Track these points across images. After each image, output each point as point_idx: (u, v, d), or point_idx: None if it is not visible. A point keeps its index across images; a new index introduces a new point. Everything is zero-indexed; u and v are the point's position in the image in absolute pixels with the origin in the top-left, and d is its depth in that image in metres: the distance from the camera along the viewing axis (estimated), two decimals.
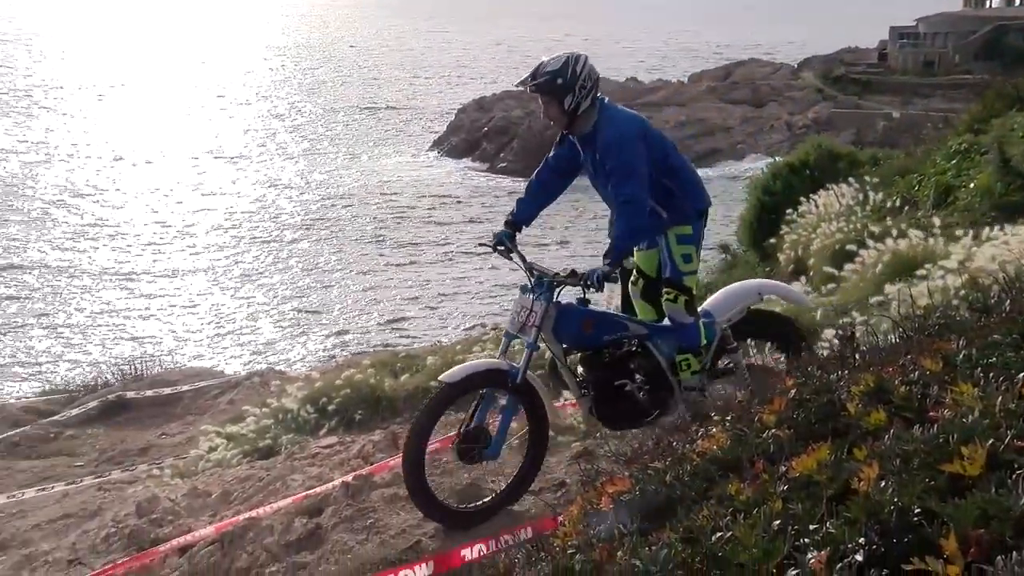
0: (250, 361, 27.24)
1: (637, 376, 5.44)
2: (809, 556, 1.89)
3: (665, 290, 5.45)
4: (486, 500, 5.46)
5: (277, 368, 17.32)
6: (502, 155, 49.32)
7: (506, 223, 5.63)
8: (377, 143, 63.64)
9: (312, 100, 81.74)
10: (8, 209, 47.00)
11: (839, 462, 2.25)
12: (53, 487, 9.73)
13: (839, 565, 1.82)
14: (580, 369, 5.48)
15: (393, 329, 30.99)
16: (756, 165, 37.85)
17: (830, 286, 9.88)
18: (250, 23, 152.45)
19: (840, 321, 7.45)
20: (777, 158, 22.20)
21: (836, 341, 4.51)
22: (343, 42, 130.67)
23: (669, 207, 5.41)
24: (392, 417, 9.05)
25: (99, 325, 32.79)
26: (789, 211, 14.69)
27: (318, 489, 6.42)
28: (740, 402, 3.50)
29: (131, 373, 15.35)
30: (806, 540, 1.99)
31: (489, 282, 34.47)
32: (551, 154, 5.65)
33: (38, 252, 40.16)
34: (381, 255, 39.75)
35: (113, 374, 15.85)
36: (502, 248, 5.54)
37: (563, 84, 5.20)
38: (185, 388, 13.59)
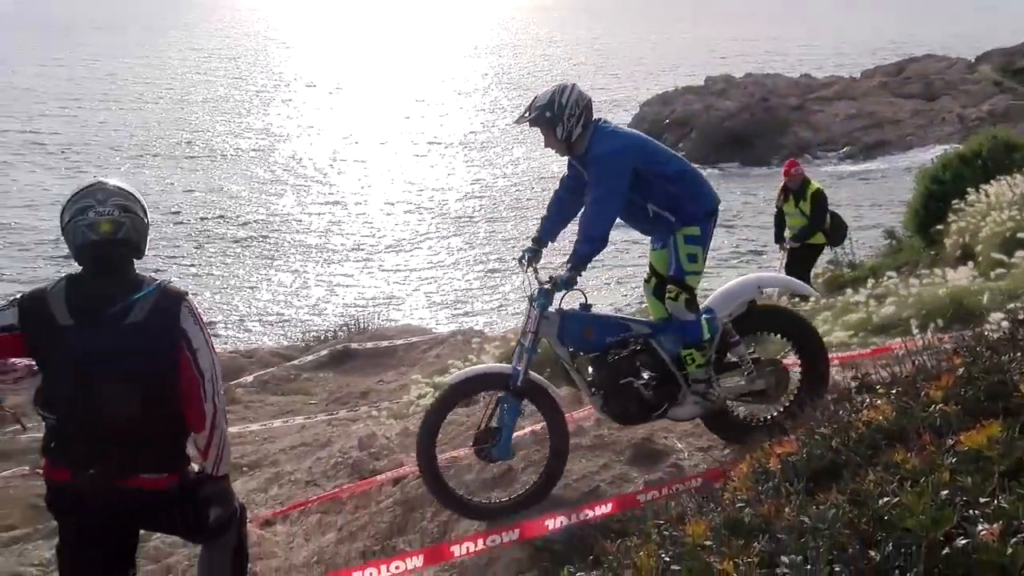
0: (455, 321, 27.80)
1: (644, 373, 5.24)
2: (980, 528, 1.73)
3: (668, 287, 5.21)
4: (512, 497, 5.34)
5: (477, 328, 17.61)
6: (681, 144, 48.55)
7: (532, 240, 5.57)
8: None
9: (521, 95, 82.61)
10: (276, 181, 49.28)
11: (1012, 439, 2.06)
12: (294, 419, 10.19)
13: (1013, 539, 1.65)
14: (590, 370, 5.32)
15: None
16: (924, 156, 35.80)
17: (999, 271, 9.25)
18: (461, 26, 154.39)
19: (1010, 305, 7.01)
20: (948, 148, 20.97)
21: (1006, 324, 4.24)
22: (548, 43, 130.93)
23: (676, 210, 5.18)
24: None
25: (336, 285, 34.20)
26: (957, 200, 13.75)
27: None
28: (906, 377, 3.29)
29: (355, 328, 15.90)
30: (975, 512, 1.82)
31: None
32: (564, 175, 5.57)
33: (295, 225, 41.95)
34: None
35: (341, 328, 16.46)
36: (523, 262, 5.50)
37: (551, 116, 5.13)
38: (399, 342, 13.96)
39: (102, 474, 3.49)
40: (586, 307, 5.29)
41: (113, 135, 61.06)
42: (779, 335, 5.68)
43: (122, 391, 3.48)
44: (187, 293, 3.72)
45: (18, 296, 3.66)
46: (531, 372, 5.16)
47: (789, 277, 6.79)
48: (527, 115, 5.24)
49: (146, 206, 3.78)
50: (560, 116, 5.13)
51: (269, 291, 33.35)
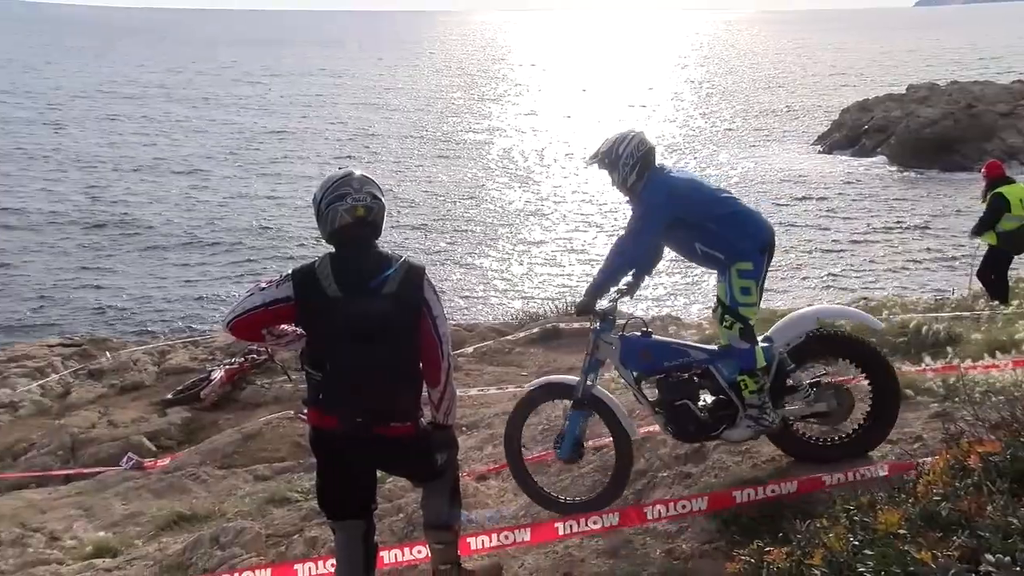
0: (653, 307, 27.75)
1: (703, 396, 5.29)
2: None
3: (724, 317, 5.19)
4: (588, 498, 5.50)
5: (674, 315, 17.53)
6: (878, 150, 46.38)
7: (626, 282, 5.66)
8: (770, 138, 62.38)
9: (726, 103, 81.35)
10: (505, 173, 50.91)
11: None
12: (507, 388, 10.50)
13: None
14: (656, 391, 5.36)
15: (769, 291, 30.37)
16: None
17: None
18: (671, 40, 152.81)
19: None
20: None
21: None
22: (755, 55, 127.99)
23: (726, 249, 5.17)
24: None
25: (545, 265, 35.06)
26: None
27: None
28: None
29: (563, 309, 16.15)
30: None
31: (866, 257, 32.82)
32: None
33: (512, 219, 43.09)
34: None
35: (549, 309, 16.79)
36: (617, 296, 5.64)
37: (609, 163, 5.33)
38: None
39: (365, 423, 3.85)
40: (646, 334, 5.49)
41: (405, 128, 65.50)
42: (845, 360, 5.47)
43: (382, 352, 3.84)
44: (424, 267, 4.05)
45: (290, 272, 3.97)
46: (599, 387, 5.43)
47: (851, 309, 6.52)
48: (593, 159, 5.46)
49: (383, 193, 4.09)
50: (616, 164, 5.31)
51: (488, 273, 34.58)
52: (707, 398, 5.33)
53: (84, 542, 7.83)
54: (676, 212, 5.10)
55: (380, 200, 4.01)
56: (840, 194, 42.27)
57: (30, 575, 7.09)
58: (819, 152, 53.50)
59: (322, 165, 51.60)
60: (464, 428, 8.99)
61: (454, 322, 18.71)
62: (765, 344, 5.29)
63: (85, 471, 10.67)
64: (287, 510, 7.13)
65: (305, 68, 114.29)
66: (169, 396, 13.23)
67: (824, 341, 5.41)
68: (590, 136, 63.28)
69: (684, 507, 4.73)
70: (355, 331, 3.81)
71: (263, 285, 4.03)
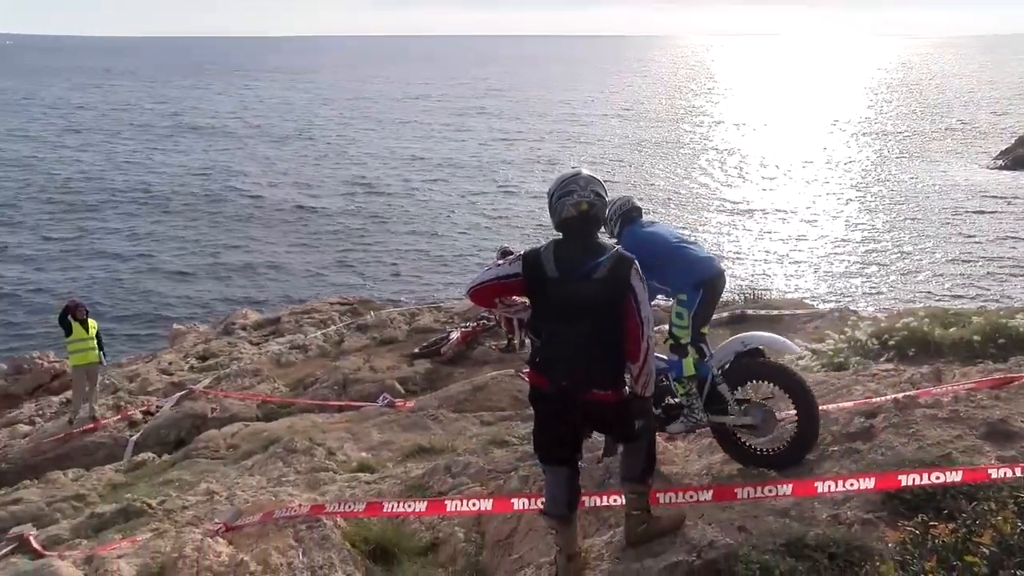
0: (834, 298, 26.42)
1: (665, 397, 5.64)
2: None
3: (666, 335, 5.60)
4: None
5: (852, 307, 16.63)
6: None
7: None
8: (953, 153, 57.39)
9: (910, 121, 75.57)
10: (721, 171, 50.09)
11: None
12: None
13: None
14: None
15: (939, 294, 28.10)
16: None
17: None
18: (867, 62, 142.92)
19: None
20: None
21: None
22: (942, 76, 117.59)
23: (667, 283, 5.56)
24: (938, 357, 8.30)
25: (736, 252, 34.34)
26: None
27: (875, 400, 6.17)
28: None
29: (752, 296, 15.72)
30: None
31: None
32: None
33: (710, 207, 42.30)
34: (950, 237, 35.93)
35: (740, 295, 16.40)
36: None
37: (603, 219, 4.93)
38: (786, 313, 13.60)
39: (569, 387, 3.98)
40: None
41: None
42: (768, 382, 5.41)
43: (586, 327, 3.93)
44: (634, 259, 4.03)
45: (522, 252, 4.13)
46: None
47: (771, 335, 6.14)
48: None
49: (605, 191, 4.11)
50: (606, 220, 5.70)
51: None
52: (666, 398, 5.64)
53: (351, 459, 8.52)
54: (639, 254, 4.63)
55: (603, 198, 4.06)
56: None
57: (316, 478, 7.82)
58: (1000, 167, 48.78)
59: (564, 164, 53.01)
60: None
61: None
62: (704, 359, 5.49)
63: (352, 404, 11.52)
64: (505, 451, 7.41)
65: (570, 84, 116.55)
66: (416, 350, 14.00)
67: (745, 363, 5.49)
68: (791, 145, 61.24)
69: (852, 484, 4.55)
70: (564, 308, 3.92)
71: (499, 262, 4.23)
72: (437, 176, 55.74)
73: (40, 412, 14.48)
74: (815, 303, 19.51)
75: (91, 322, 13.33)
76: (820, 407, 5.68)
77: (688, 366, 5.57)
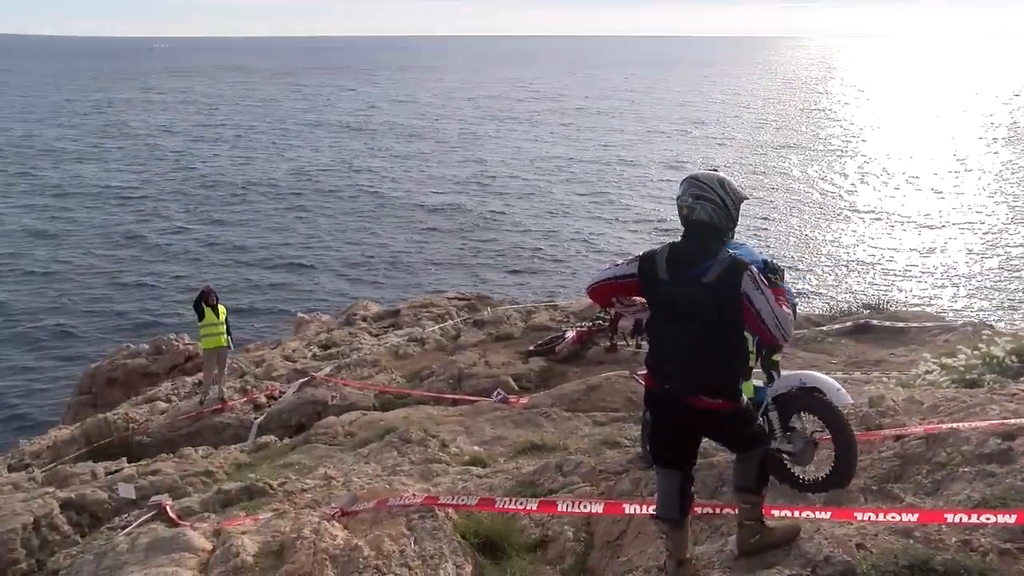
0: (969, 313, 24.94)
1: None
2: None
3: None
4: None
5: (988, 321, 15.68)
6: None
7: None
8: None
9: None
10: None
11: None
12: (817, 374, 9.95)
13: None
14: None
15: None
16: None
17: None
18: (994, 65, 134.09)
19: None
20: None
21: None
22: None
23: None
24: None
25: (861, 260, 32.93)
26: None
27: (1014, 420, 5.79)
28: None
29: (876, 306, 15.08)
30: None
31: None
32: None
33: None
34: None
35: (862, 305, 15.78)
36: None
37: None
38: (913, 325, 12.99)
39: (674, 390, 3.97)
40: None
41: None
42: (813, 415, 5.47)
43: (691, 331, 3.88)
44: (750, 265, 3.92)
45: (640, 254, 4.13)
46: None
47: (828, 378, 5.98)
48: None
49: (725, 193, 3.97)
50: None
51: (816, 265, 33.18)
52: None
53: (463, 452, 8.68)
54: None
55: (707, 200, 3.95)
56: None
57: (429, 468, 8.01)
58: None
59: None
60: None
61: None
62: (762, 389, 5.55)
63: (467, 398, 11.72)
64: (617, 452, 7.39)
65: (697, 85, 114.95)
66: (531, 347, 14.09)
67: (800, 398, 5.54)
68: (922, 150, 58.25)
69: (988, 519, 4.25)
70: (672, 310, 3.93)
71: (619, 262, 4.25)
72: (557, 176, 55.95)
73: (175, 391, 15.42)
74: (947, 316, 18.51)
75: (221, 308, 14.08)
76: (950, 424, 5.58)
77: (747, 389, 5.50)
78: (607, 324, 13.90)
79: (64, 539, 8.21)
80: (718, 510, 4.94)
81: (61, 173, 58.44)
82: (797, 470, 5.51)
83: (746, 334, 5.06)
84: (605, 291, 4.29)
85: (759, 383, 5.81)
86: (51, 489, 9.32)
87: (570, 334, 13.87)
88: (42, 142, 71.69)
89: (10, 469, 12.44)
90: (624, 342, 13.05)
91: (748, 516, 4.29)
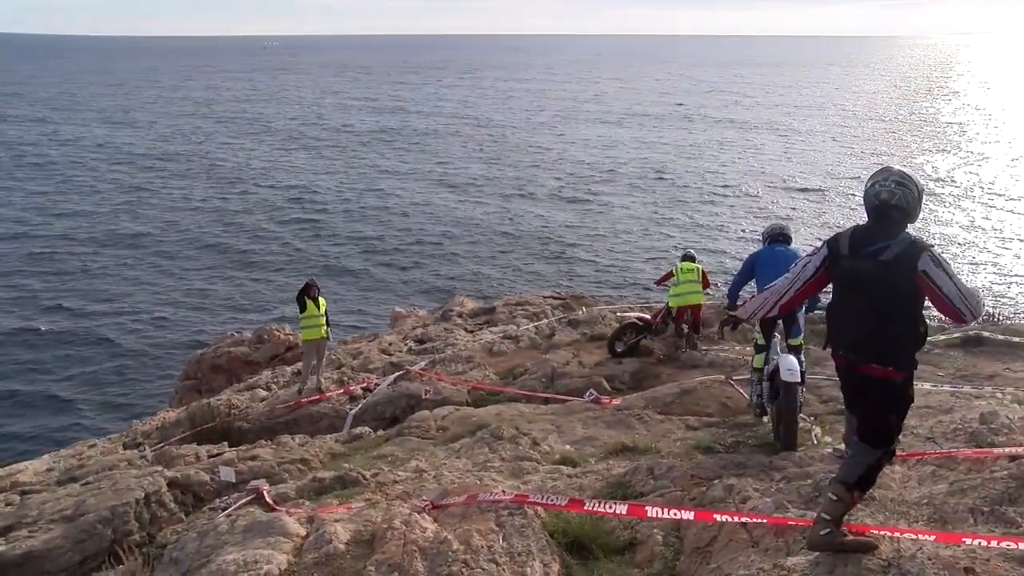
0: None
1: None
2: None
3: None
4: None
5: None
6: None
7: None
8: None
9: None
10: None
11: None
12: (922, 384, 9.61)
13: None
14: None
15: None
16: None
17: None
18: None
19: None
20: None
21: None
22: None
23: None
24: None
25: (977, 264, 31.38)
26: None
27: None
28: None
29: (990, 317, 14.33)
30: None
31: None
32: None
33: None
34: None
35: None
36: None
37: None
38: None
39: (851, 360, 4.27)
40: None
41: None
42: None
43: (864, 303, 4.20)
44: (932, 246, 4.18)
45: (825, 240, 4.46)
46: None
47: (787, 359, 7.73)
48: None
49: (920, 185, 4.35)
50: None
51: None
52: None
53: (554, 451, 8.72)
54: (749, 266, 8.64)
55: (907, 189, 4.27)
56: None
57: (519, 466, 8.09)
58: None
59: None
60: None
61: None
62: (773, 359, 7.97)
63: (559, 397, 11.75)
64: (710, 458, 7.32)
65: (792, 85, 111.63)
66: (617, 348, 13.93)
67: (775, 374, 7.79)
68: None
69: None
70: (848, 282, 4.28)
71: (800, 265, 4.55)
72: (648, 177, 55.36)
73: (275, 380, 16.01)
74: None
75: (322, 300, 14.53)
76: None
77: (757, 361, 8.51)
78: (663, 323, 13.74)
79: (171, 515, 8.68)
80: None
81: (200, 163, 61.51)
82: (777, 429, 7.73)
83: None
84: (799, 299, 4.62)
85: (773, 358, 7.97)
86: (160, 468, 9.85)
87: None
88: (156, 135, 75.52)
89: (124, 447, 13.24)
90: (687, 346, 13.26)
91: (830, 510, 4.29)
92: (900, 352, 4.17)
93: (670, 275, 13.94)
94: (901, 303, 4.15)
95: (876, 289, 4.14)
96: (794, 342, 8.14)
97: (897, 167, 4.42)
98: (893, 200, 4.25)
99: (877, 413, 4.27)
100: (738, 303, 8.18)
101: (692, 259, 13.81)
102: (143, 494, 8.67)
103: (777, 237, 8.61)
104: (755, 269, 8.45)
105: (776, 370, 7.76)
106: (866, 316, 4.17)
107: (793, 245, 8.58)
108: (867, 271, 4.15)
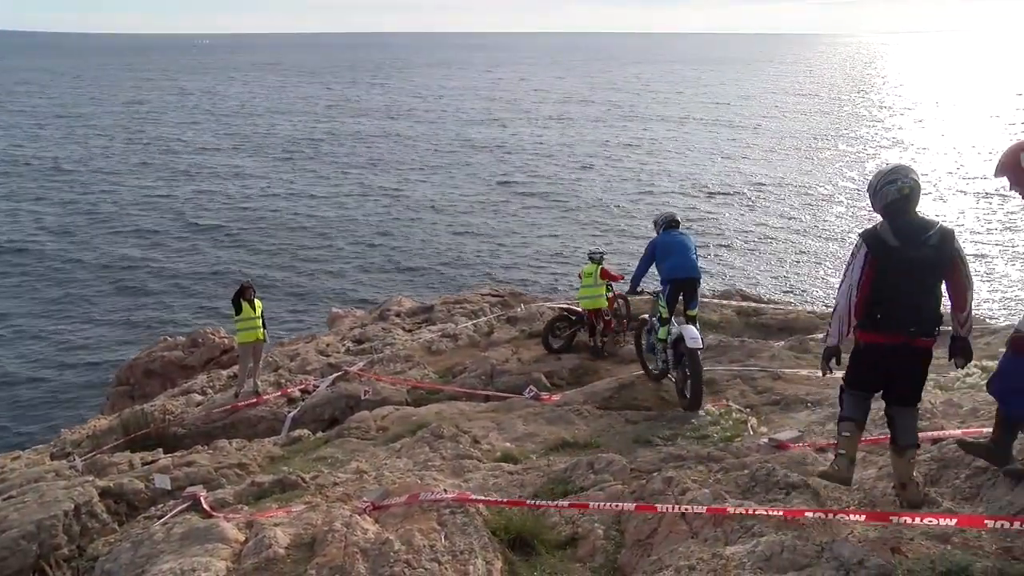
0: (1010, 313, 24.41)
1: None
2: None
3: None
4: None
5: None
6: None
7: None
8: None
9: None
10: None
11: None
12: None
13: None
14: None
15: None
16: None
17: None
18: None
19: None
20: None
21: None
22: None
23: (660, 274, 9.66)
24: None
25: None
26: None
27: None
28: None
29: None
30: None
31: None
32: None
33: None
34: None
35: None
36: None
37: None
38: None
39: (914, 335, 4.79)
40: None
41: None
42: (685, 358, 9.10)
43: (928, 284, 4.80)
44: (954, 231, 4.87)
45: (860, 239, 4.89)
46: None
47: (690, 329, 9.11)
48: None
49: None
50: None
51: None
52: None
53: (495, 448, 8.73)
54: (650, 252, 9.85)
55: (916, 181, 4.89)
56: None
57: (460, 464, 8.08)
58: None
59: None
60: (808, 404, 8.68)
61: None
62: (673, 330, 9.38)
63: (499, 394, 11.76)
64: (650, 451, 7.41)
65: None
66: (551, 343, 13.95)
67: (679, 343, 9.18)
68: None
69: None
70: (908, 270, 4.75)
71: (849, 261, 4.97)
72: (584, 169, 55.80)
73: (211, 384, 15.68)
74: (987, 319, 18.12)
75: (258, 302, 14.29)
76: (990, 429, 5.42)
77: (662, 332, 9.62)
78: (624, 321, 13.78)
79: (103, 527, 8.41)
80: (750, 512, 4.93)
81: (99, 162, 59.61)
82: (683, 391, 9.15)
83: (661, 294, 9.66)
84: (860, 302, 4.88)
85: (674, 329, 9.31)
86: (91, 478, 9.53)
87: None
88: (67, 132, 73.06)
89: (52, 457, 12.75)
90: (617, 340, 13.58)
91: (911, 472, 4.99)
92: (937, 323, 4.84)
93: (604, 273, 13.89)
94: (939, 281, 4.84)
95: (930, 272, 4.78)
96: (692, 313, 9.57)
97: (904, 165, 5.06)
98: (914, 195, 4.87)
99: (923, 378, 5.00)
100: (638, 288, 10.19)
101: (596, 259, 13.52)
102: (72, 505, 8.37)
103: (672, 224, 9.93)
104: (656, 255, 9.68)
105: (680, 338, 9.02)
106: (926, 297, 4.78)
107: (682, 228, 10.07)
108: (925, 257, 4.74)
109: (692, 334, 8.93)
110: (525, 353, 13.97)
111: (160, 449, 11.67)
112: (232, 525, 6.10)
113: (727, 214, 44.48)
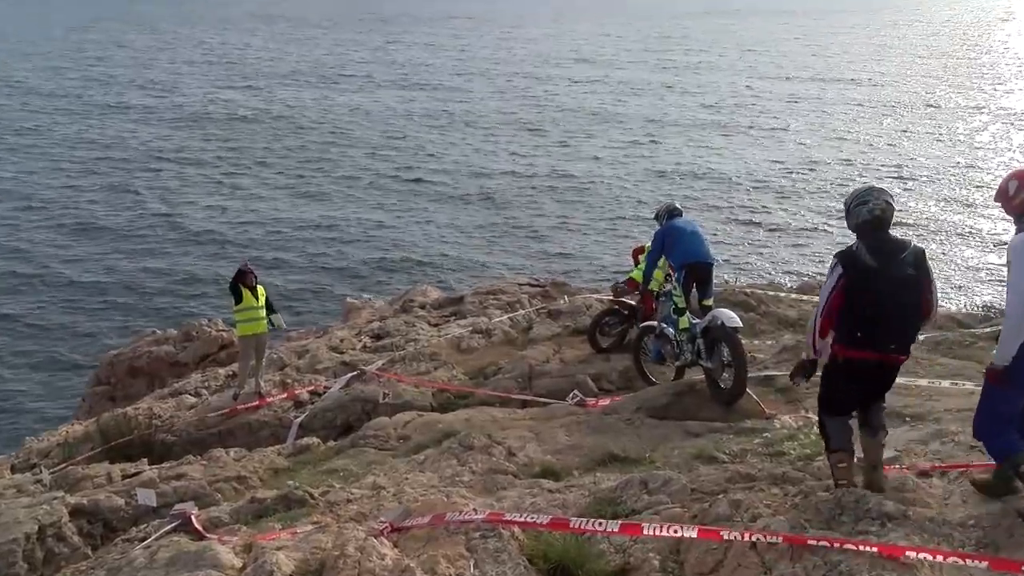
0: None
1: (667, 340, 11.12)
2: None
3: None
4: None
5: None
6: None
7: None
8: None
9: None
10: None
11: None
12: (964, 384, 9.67)
13: None
14: None
15: None
16: None
17: None
18: None
19: None
20: None
21: None
22: None
23: (672, 260, 11.05)
24: None
25: None
26: None
27: None
28: None
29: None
30: None
31: None
32: None
33: None
34: None
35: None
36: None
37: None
38: None
39: (895, 352, 5.64)
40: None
41: None
42: (723, 344, 9.73)
43: (906, 304, 5.56)
44: (924, 250, 5.73)
45: (834, 260, 5.62)
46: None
47: (727, 311, 9.93)
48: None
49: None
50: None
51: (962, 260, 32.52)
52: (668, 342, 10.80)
53: (533, 462, 8.71)
54: (659, 244, 11.45)
55: (890, 205, 5.67)
56: None
57: (493, 480, 8.07)
58: None
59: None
60: (907, 419, 8.53)
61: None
62: (696, 320, 10.26)
63: (538, 399, 11.75)
64: (713, 469, 7.32)
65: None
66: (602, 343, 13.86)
67: (712, 329, 9.90)
68: None
69: None
70: (885, 290, 5.47)
71: (826, 286, 5.66)
72: (632, 154, 55.45)
73: (206, 384, 15.83)
74: None
75: (261, 289, 14.29)
76: None
77: (683, 322, 10.45)
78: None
79: (73, 552, 8.41)
80: (836, 544, 4.83)
81: (73, 128, 60.46)
82: (718, 382, 9.90)
83: (676, 282, 10.79)
84: (827, 320, 5.70)
85: (696, 320, 10.26)
86: (60, 494, 9.52)
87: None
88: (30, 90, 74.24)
89: (14, 470, 12.70)
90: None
91: (879, 458, 5.92)
92: (914, 340, 5.74)
93: (642, 249, 13.69)
94: (918, 300, 5.62)
95: (909, 290, 5.55)
96: (707, 303, 10.85)
97: (876, 187, 5.84)
98: (886, 216, 5.65)
99: (888, 385, 5.93)
100: (650, 286, 11.81)
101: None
102: (36, 527, 8.31)
103: (674, 213, 11.49)
104: (665, 244, 11.13)
105: (711, 324, 9.89)
106: (906, 316, 5.58)
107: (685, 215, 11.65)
108: (907, 277, 5.52)
109: (729, 314, 9.78)
110: (568, 352, 13.92)
111: (145, 459, 11.75)
112: (228, 549, 6.14)
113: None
